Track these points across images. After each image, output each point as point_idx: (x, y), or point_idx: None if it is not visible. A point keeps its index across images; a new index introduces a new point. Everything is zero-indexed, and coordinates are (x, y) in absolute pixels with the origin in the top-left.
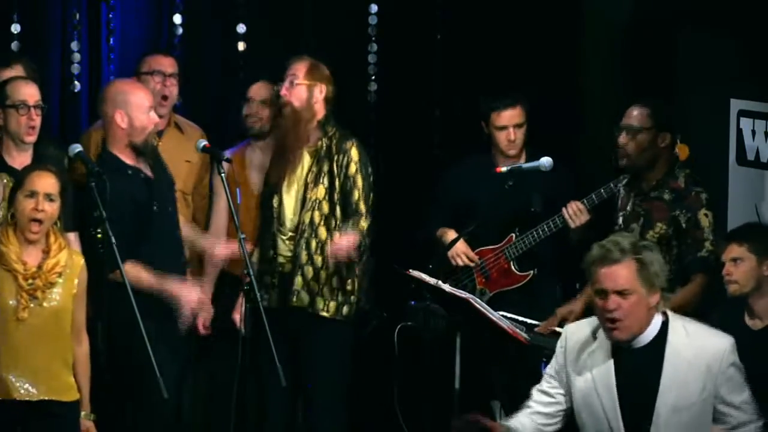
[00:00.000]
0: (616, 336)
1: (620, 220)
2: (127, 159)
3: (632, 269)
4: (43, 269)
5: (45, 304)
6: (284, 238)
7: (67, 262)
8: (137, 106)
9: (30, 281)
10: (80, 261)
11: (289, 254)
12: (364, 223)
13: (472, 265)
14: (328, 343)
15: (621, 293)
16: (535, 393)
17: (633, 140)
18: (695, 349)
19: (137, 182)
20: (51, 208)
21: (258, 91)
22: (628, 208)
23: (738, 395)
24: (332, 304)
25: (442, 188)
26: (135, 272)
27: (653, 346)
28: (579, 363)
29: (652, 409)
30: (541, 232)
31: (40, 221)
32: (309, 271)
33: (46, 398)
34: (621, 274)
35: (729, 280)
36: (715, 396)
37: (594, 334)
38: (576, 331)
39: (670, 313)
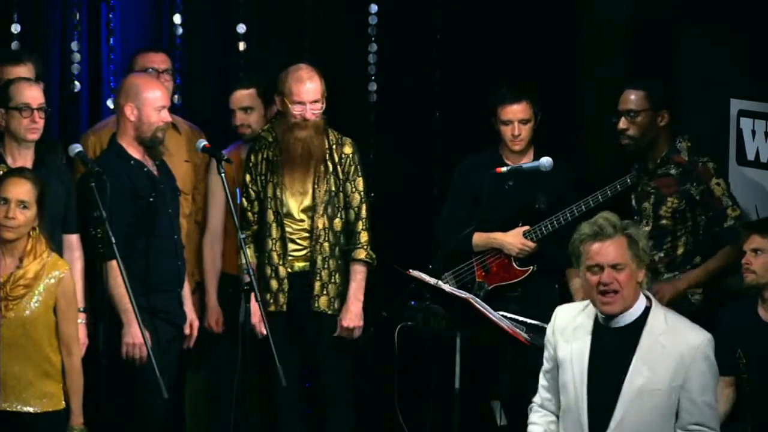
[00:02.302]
0: (609, 309)
1: (633, 201)
2: (134, 153)
3: (623, 245)
4: (10, 281)
5: (11, 315)
6: (295, 237)
7: (42, 272)
8: (148, 102)
9: None
10: (64, 269)
11: (301, 253)
12: (365, 236)
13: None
14: (346, 342)
15: (615, 267)
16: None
17: (633, 123)
18: (672, 338)
19: (139, 174)
20: (23, 216)
21: (238, 100)
22: (639, 188)
23: (702, 394)
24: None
25: (456, 184)
26: (115, 282)
27: (632, 328)
28: (564, 336)
29: (619, 389)
30: (548, 226)
31: (10, 229)
32: (325, 274)
33: (15, 409)
34: (614, 249)
35: (747, 269)
36: (682, 387)
37: (581, 313)
38: (566, 310)
39: (654, 301)
